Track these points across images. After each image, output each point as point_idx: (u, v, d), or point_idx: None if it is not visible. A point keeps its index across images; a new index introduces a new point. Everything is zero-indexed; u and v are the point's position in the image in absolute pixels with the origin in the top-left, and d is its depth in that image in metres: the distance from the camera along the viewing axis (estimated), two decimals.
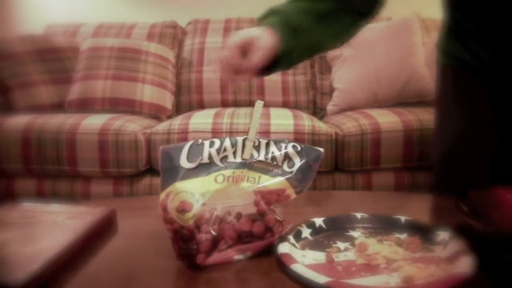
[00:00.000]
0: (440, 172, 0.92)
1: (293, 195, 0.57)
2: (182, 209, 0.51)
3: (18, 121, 1.92)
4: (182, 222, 0.51)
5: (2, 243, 0.55)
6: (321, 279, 0.46)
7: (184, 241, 0.51)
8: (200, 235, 0.51)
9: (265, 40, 0.71)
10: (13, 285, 0.45)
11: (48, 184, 1.92)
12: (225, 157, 0.56)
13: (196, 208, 0.51)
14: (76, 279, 0.50)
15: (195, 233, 0.51)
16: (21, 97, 2.19)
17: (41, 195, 1.91)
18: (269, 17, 0.78)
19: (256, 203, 0.55)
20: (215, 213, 0.52)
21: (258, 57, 0.70)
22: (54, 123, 1.89)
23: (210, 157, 0.55)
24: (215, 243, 0.52)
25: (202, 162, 0.55)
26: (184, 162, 0.54)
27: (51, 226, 0.61)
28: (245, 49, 0.71)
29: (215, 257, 0.52)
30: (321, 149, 0.59)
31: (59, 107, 2.22)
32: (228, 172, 0.54)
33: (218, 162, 0.55)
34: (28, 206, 0.70)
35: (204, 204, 0.52)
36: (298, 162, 0.58)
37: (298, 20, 0.77)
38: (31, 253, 0.52)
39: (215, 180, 0.54)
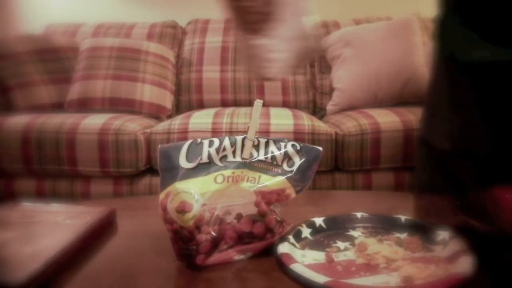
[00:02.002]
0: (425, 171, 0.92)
1: (293, 195, 0.57)
2: (182, 210, 0.50)
3: (18, 121, 1.92)
4: (182, 223, 0.50)
5: (2, 243, 0.55)
6: (320, 278, 0.46)
7: (184, 241, 0.51)
8: (200, 236, 0.51)
9: None
10: (13, 285, 0.45)
11: (48, 184, 1.92)
12: (225, 156, 0.55)
13: (196, 208, 0.51)
14: (76, 279, 0.50)
15: (195, 233, 0.51)
16: (21, 97, 2.19)
17: (41, 195, 1.91)
18: None
19: (257, 204, 0.55)
20: (215, 213, 0.52)
21: None
22: (54, 123, 1.89)
23: (209, 156, 0.55)
24: (215, 243, 0.52)
25: (202, 161, 0.55)
26: (183, 162, 0.54)
27: (51, 226, 0.61)
28: None
29: (215, 258, 0.52)
30: (320, 148, 0.59)
31: (59, 107, 2.23)
32: (228, 172, 0.54)
33: (217, 162, 0.55)
34: (28, 206, 0.70)
35: (204, 204, 0.52)
36: (298, 161, 0.58)
37: None
38: (31, 253, 0.52)
39: (215, 180, 0.54)
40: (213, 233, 0.52)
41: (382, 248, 0.53)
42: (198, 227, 0.51)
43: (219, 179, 0.54)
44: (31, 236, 0.57)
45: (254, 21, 0.57)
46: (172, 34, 2.55)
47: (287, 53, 0.60)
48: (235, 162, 0.55)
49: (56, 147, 1.86)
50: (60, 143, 1.85)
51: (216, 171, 0.54)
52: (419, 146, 0.93)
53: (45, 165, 1.87)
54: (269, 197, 0.55)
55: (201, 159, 0.55)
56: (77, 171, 1.87)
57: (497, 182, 0.58)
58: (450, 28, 0.86)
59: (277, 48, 0.58)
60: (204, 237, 0.51)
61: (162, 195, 0.52)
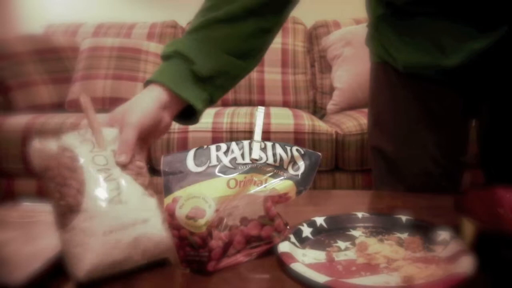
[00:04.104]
0: (380, 171, 0.93)
1: (293, 197, 0.57)
2: (194, 216, 0.49)
3: (18, 120, 1.92)
4: (194, 229, 0.49)
5: (2, 243, 0.55)
6: (320, 278, 0.46)
7: (194, 248, 0.49)
8: (213, 242, 0.49)
9: (140, 110, 0.61)
10: (13, 285, 0.45)
11: None
12: (234, 159, 0.55)
13: (209, 214, 0.49)
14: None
15: (207, 240, 0.49)
16: (21, 97, 2.19)
17: (41, 195, 1.91)
18: (171, 62, 0.68)
19: (268, 209, 0.55)
20: (225, 218, 0.51)
21: (126, 134, 0.57)
22: (54, 123, 1.89)
23: (218, 159, 0.54)
24: (225, 249, 0.51)
25: (211, 165, 0.53)
26: (191, 166, 0.53)
27: (51, 225, 0.61)
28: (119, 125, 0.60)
29: (225, 263, 0.51)
30: (319, 153, 0.60)
31: (59, 106, 2.22)
32: (240, 177, 0.53)
33: (228, 164, 0.54)
34: (28, 206, 0.70)
35: (217, 210, 0.50)
36: (302, 166, 0.58)
37: (206, 62, 0.67)
38: (31, 253, 0.51)
39: (228, 185, 0.53)
40: (225, 239, 0.51)
41: (382, 248, 0.53)
42: (210, 233, 0.49)
43: (232, 183, 0.53)
44: (31, 236, 0.57)
45: (63, 213, 0.49)
46: (172, 34, 2.55)
47: (99, 248, 0.47)
48: (246, 165, 0.54)
49: None
50: None
51: (227, 174, 0.53)
52: (371, 150, 0.95)
53: None
54: (276, 200, 0.56)
55: (210, 162, 0.53)
56: None
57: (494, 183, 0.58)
58: (381, 34, 0.86)
59: (82, 243, 0.47)
60: (216, 243, 0.50)
61: (168, 200, 0.51)
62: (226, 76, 0.71)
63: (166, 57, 0.69)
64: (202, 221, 0.48)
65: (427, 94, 0.83)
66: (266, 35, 0.75)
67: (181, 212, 0.49)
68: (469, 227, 0.52)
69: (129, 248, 0.49)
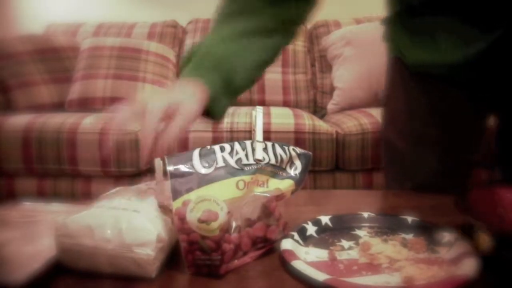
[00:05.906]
0: (391, 172, 0.92)
1: (288, 196, 0.57)
2: (207, 219, 0.48)
3: (19, 120, 1.92)
4: (206, 233, 0.48)
5: (2, 242, 0.55)
6: (320, 276, 0.46)
7: (206, 251, 0.49)
8: (225, 245, 0.49)
9: (190, 104, 0.60)
10: (13, 285, 0.45)
11: (48, 184, 1.92)
12: (239, 159, 0.54)
13: (221, 217, 0.48)
14: (76, 278, 0.50)
15: (220, 243, 0.48)
16: (21, 97, 2.19)
17: (42, 195, 1.91)
18: (200, 66, 0.66)
19: (273, 209, 0.55)
20: (234, 221, 0.51)
21: (179, 126, 0.57)
22: (55, 123, 1.89)
23: (224, 160, 0.54)
24: (235, 251, 0.51)
25: (218, 166, 0.53)
26: (199, 167, 0.52)
27: (52, 225, 0.61)
28: (168, 114, 0.58)
29: (234, 265, 0.51)
30: (310, 153, 0.61)
31: (59, 106, 2.22)
32: (247, 178, 0.53)
33: (234, 165, 0.54)
34: (29, 206, 0.70)
35: (228, 212, 0.49)
36: (299, 165, 0.59)
37: (231, 60, 0.67)
38: (31, 253, 0.51)
39: (237, 187, 0.52)
40: (236, 242, 0.50)
41: (385, 248, 0.53)
42: (223, 236, 0.49)
43: (241, 185, 0.52)
44: (32, 236, 0.57)
45: None
46: (173, 34, 2.55)
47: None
48: (250, 165, 0.54)
49: (56, 147, 1.85)
50: (60, 143, 1.85)
51: (235, 175, 0.53)
52: (384, 145, 0.95)
53: (45, 164, 1.87)
54: (277, 200, 0.56)
55: (217, 163, 0.53)
56: (78, 170, 1.87)
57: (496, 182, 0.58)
58: (396, 31, 0.86)
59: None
60: (228, 246, 0.49)
61: (177, 204, 0.49)
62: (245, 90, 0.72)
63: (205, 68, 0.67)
64: (215, 224, 0.48)
65: (435, 93, 0.83)
66: (282, 50, 0.78)
67: (193, 216, 0.48)
68: (484, 239, 0.51)
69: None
